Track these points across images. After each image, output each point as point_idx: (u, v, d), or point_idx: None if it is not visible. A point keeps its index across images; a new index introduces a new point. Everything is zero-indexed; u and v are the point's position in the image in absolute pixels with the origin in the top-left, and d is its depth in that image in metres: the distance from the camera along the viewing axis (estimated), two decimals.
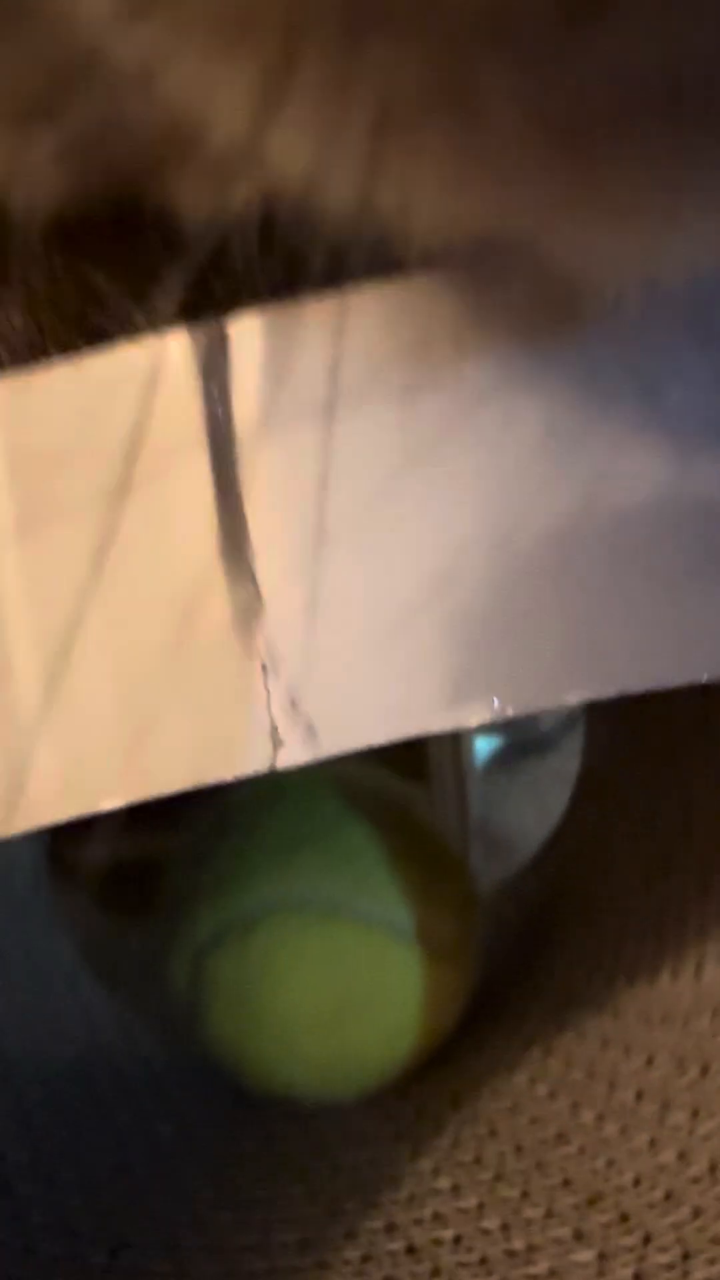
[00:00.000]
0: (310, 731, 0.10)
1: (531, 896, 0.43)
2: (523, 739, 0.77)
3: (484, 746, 0.76)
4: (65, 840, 0.45)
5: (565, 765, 0.55)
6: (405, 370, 0.11)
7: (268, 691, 0.10)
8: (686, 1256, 0.25)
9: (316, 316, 0.10)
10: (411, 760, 0.55)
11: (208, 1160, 0.32)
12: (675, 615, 0.11)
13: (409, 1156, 0.31)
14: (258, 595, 0.10)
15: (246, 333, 0.10)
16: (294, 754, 0.10)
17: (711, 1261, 0.24)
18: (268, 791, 0.33)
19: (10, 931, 0.39)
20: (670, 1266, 0.24)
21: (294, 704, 0.10)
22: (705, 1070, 0.29)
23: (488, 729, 0.77)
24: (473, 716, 0.11)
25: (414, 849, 0.33)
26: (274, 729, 0.10)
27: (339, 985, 0.31)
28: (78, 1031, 0.36)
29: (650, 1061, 0.31)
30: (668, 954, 0.33)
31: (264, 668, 0.10)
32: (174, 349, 0.10)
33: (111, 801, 0.11)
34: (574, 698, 0.12)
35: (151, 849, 0.37)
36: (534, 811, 0.53)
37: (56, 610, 0.11)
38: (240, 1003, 0.31)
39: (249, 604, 0.10)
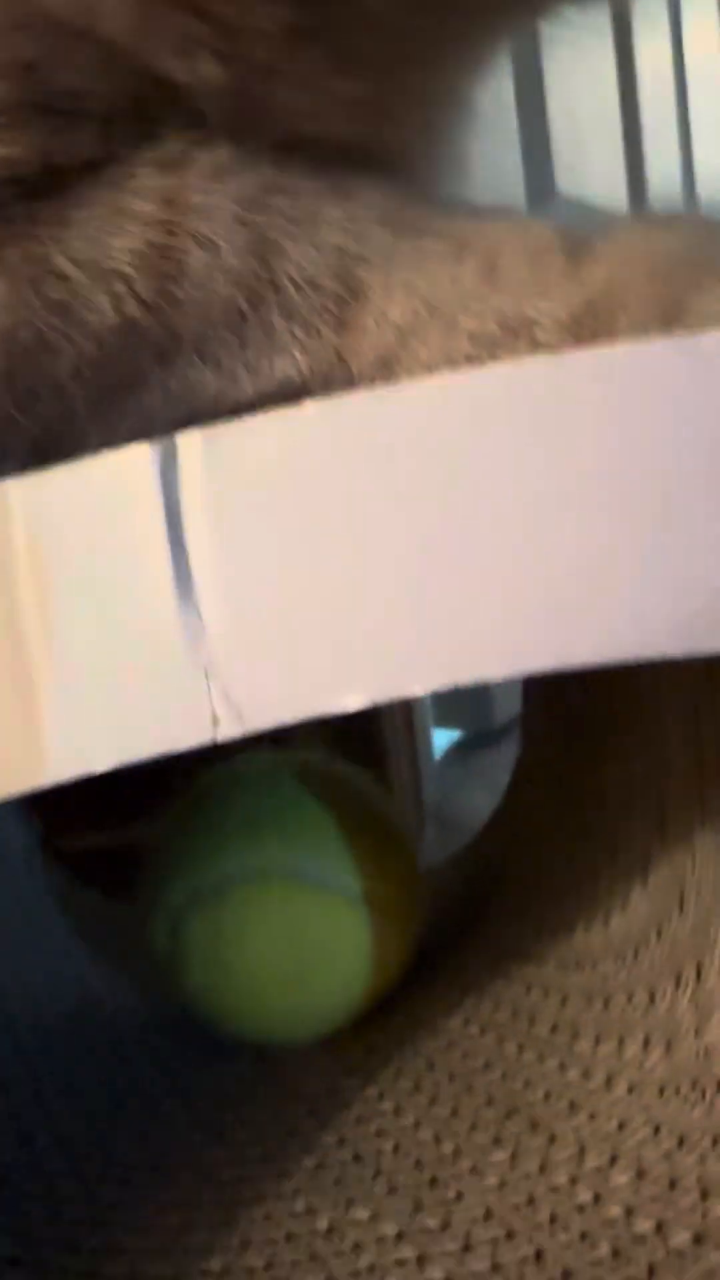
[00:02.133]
0: (239, 713, 0.15)
1: (474, 867, 0.48)
2: (477, 732, 0.82)
3: (443, 738, 0.82)
4: (55, 827, 0.50)
5: (514, 754, 0.59)
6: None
7: (208, 686, 0.15)
8: (582, 1151, 0.30)
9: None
10: (371, 752, 0.60)
11: (186, 1094, 0.37)
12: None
13: (359, 1086, 0.36)
14: (200, 619, 0.15)
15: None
16: (228, 729, 0.15)
17: (601, 1154, 0.29)
18: (233, 778, 0.38)
19: (9, 905, 0.43)
20: (567, 1160, 0.30)
21: (227, 694, 0.15)
22: (607, 1004, 0.34)
23: (447, 722, 0.82)
24: (354, 700, 0.15)
25: (364, 825, 0.38)
26: (213, 713, 0.15)
27: (297, 943, 0.36)
28: (72, 989, 0.41)
29: (564, 1000, 0.36)
30: (582, 909, 0.38)
31: (205, 672, 0.15)
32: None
33: (102, 764, 0.15)
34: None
35: (131, 835, 0.42)
36: (485, 795, 0.58)
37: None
38: (212, 960, 0.36)
39: (195, 627, 0.15)
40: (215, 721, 0.15)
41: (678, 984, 0.31)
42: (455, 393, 0.15)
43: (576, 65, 1.31)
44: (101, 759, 0.15)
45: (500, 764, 0.60)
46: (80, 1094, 0.36)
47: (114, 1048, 0.38)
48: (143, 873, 0.38)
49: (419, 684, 0.15)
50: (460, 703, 0.80)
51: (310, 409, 0.15)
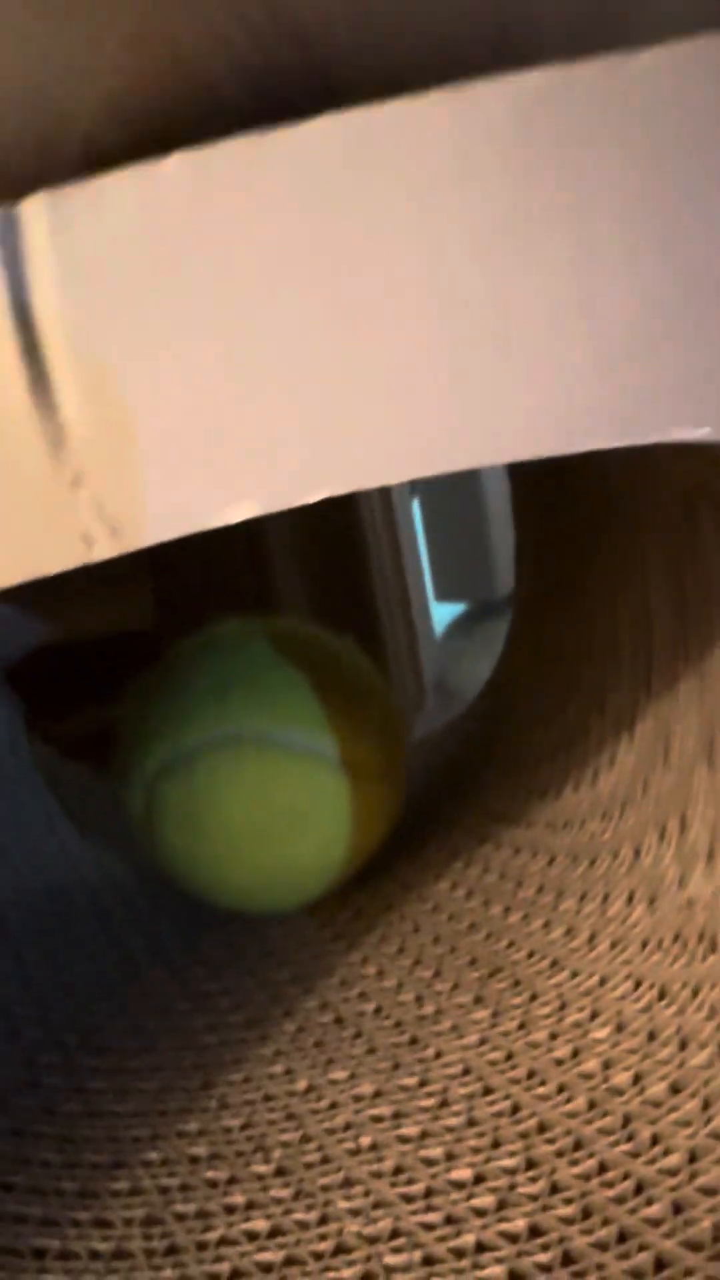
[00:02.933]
0: (116, 530, 0.13)
1: (466, 733, 0.47)
2: (480, 603, 0.80)
3: (446, 612, 0.80)
4: (40, 707, 0.49)
5: None
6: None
7: (79, 501, 0.13)
8: (563, 1007, 0.29)
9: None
10: (362, 624, 0.59)
11: (171, 964, 0.36)
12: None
13: (343, 951, 0.35)
14: (60, 423, 0.13)
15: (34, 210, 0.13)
16: (103, 550, 0.14)
17: (581, 1010, 0.29)
18: (204, 645, 0.37)
19: None
20: (547, 1016, 0.29)
21: (101, 508, 0.13)
22: (592, 863, 0.33)
23: (448, 596, 0.81)
24: (245, 509, 0.14)
25: (341, 689, 0.36)
26: (86, 530, 0.14)
27: (271, 808, 0.35)
28: (56, 864, 0.40)
29: (551, 861, 0.35)
30: (571, 768, 0.37)
31: (73, 481, 0.13)
32: None
33: None
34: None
35: (111, 712, 0.41)
36: (486, 665, 0.56)
37: None
38: (187, 828, 0.35)
39: (55, 434, 0.13)
40: (89, 540, 0.14)
41: (661, 838, 0.30)
42: (354, 130, 0.13)
43: None
44: None
45: (499, 634, 0.59)
46: (62, 966, 0.35)
47: (100, 921, 0.38)
48: (116, 743, 0.37)
49: (315, 490, 0.13)
50: (461, 574, 0.78)
51: (174, 161, 0.13)
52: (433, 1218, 0.23)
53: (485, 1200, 0.24)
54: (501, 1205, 0.23)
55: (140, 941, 0.38)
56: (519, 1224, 0.23)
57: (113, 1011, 0.34)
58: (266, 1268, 0.23)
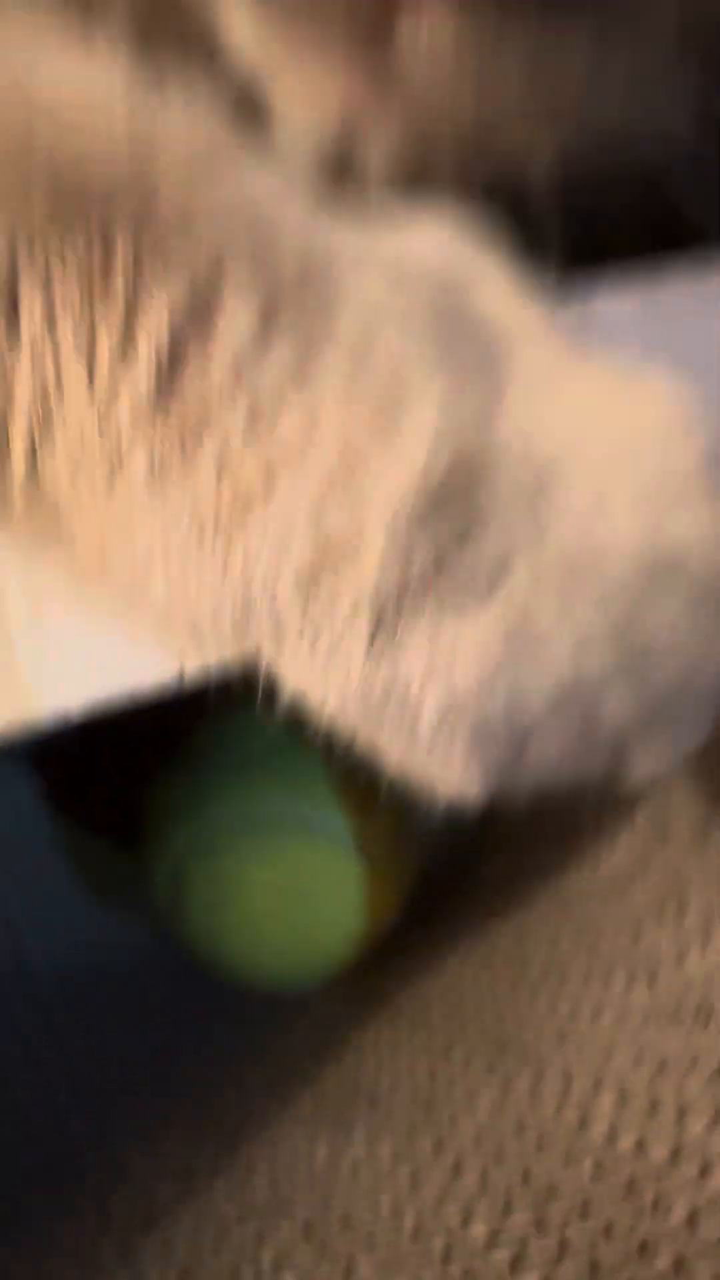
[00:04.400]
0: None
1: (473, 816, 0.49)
2: None
3: None
4: (62, 784, 0.51)
5: None
6: None
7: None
8: (569, 1079, 0.31)
9: None
10: None
11: (192, 1032, 0.38)
12: None
13: (359, 1024, 0.37)
14: None
15: None
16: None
17: (586, 1080, 0.31)
18: (229, 728, 0.39)
19: (18, 858, 0.45)
20: (557, 1088, 0.31)
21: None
22: (595, 943, 0.35)
23: None
24: None
25: (356, 775, 0.39)
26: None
27: (292, 888, 0.37)
28: (83, 937, 0.42)
29: (554, 942, 0.37)
30: (572, 853, 0.39)
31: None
32: None
33: None
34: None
35: (134, 789, 0.43)
36: None
37: None
38: (213, 905, 0.37)
39: None
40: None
41: (659, 920, 0.33)
42: None
43: None
44: None
45: None
46: (91, 1035, 0.37)
47: (126, 991, 0.40)
48: (145, 822, 0.39)
49: None
50: None
51: None
52: (453, 1271, 0.25)
53: (501, 1256, 0.26)
54: (516, 1262, 0.25)
55: (163, 1012, 0.40)
56: None
57: (141, 1075, 0.36)
58: None
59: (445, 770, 0.19)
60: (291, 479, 0.16)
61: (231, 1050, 0.37)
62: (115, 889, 0.44)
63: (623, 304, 0.22)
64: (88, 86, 0.17)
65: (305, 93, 0.22)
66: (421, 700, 0.18)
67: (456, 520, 0.17)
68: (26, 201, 0.16)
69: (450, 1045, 0.35)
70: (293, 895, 0.37)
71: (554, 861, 0.40)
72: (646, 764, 0.19)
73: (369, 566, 0.17)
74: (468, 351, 0.18)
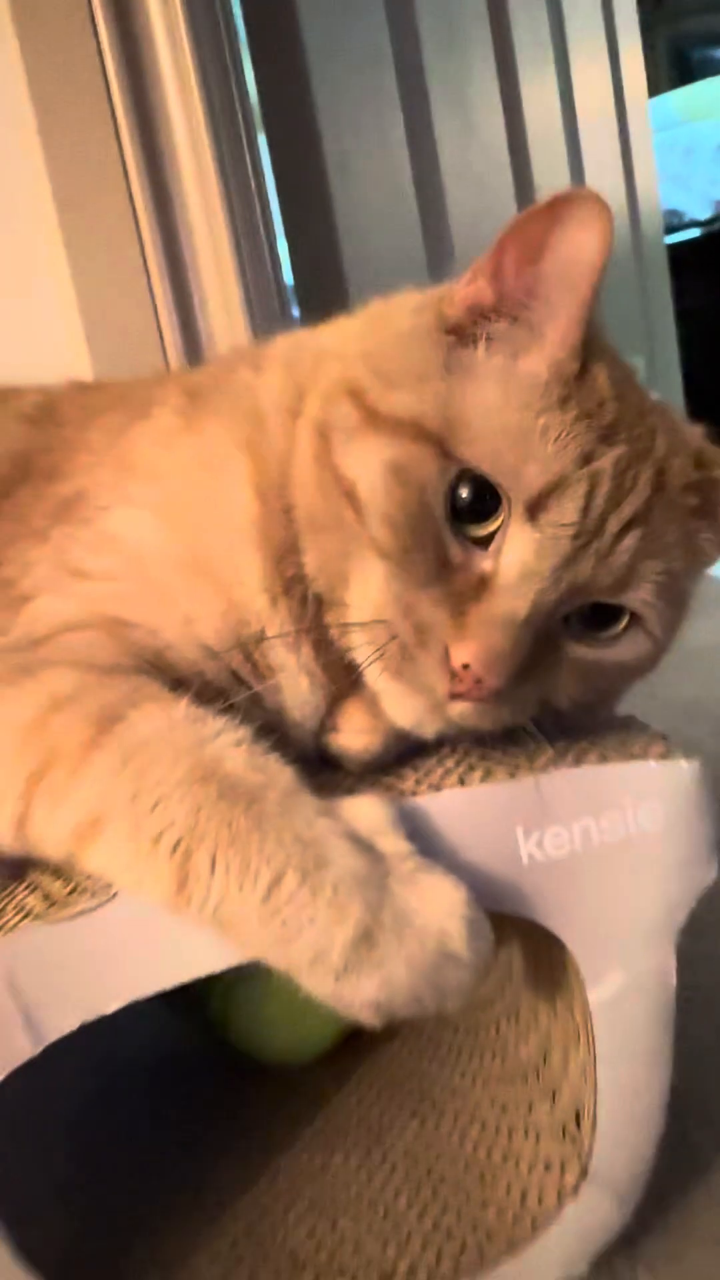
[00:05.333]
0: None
1: None
2: None
3: None
4: None
5: None
6: None
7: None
8: (457, 1117, 0.55)
9: None
10: None
11: (223, 1098, 0.61)
12: None
13: (335, 1085, 0.61)
14: None
15: None
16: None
17: (466, 1116, 0.54)
18: None
19: None
20: (453, 1125, 0.55)
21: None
22: (474, 1036, 0.59)
23: None
24: None
25: None
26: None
27: (300, 1002, 0.60)
28: (151, 1038, 0.66)
29: (454, 1031, 0.61)
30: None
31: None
32: None
33: None
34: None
35: None
36: None
37: None
38: (253, 1015, 0.61)
39: None
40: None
41: (509, 1022, 0.57)
42: None
43: (466, 125, 1.42)
44: None
45: None
46: (152, 1116, 0.60)
47: (180, 1079, 0.63)
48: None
49: None
50: None
51: None
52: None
53: (413, 1212, 0.49)
54: (423, 1213, 0.49)
55: (195, 1091, 0.63)
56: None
57: (188, 1142, 0.59)
58: None
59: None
60: None
61: (254, 1111, 0.60)
62: (181, 1002, 0.67)
63: None
64: None
65: None
66: None
67: None
68: None
69: (391, 1098, 0.59)
70: (300, 1005, 0.61)
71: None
72: None
73: None
74: None
